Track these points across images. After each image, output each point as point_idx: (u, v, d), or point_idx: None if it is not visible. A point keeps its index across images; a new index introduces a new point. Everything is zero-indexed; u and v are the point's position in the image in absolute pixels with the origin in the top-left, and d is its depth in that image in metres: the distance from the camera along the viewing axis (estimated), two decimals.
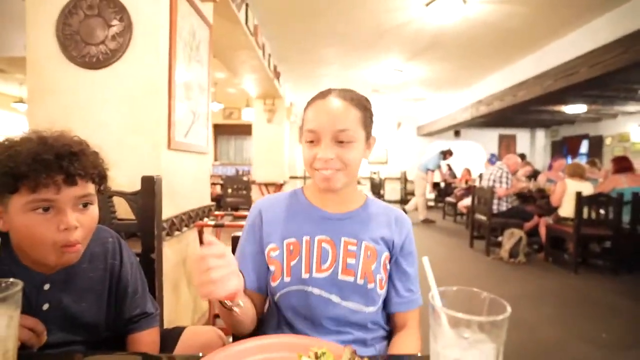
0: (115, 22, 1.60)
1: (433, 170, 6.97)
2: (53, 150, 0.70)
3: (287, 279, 0.82)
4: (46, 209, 0.70)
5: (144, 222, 1.13)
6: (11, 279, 0.52)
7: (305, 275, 0.82)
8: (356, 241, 0.85)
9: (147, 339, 0.87)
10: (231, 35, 3.30)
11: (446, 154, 6.89)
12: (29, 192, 0.68)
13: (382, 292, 0.84)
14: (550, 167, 5.58)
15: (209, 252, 0.61)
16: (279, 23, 3.96)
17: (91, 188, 0.76)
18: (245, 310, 0.76)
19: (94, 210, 0.77)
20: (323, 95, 0.83)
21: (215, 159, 10.29)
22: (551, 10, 3.56)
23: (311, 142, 0.81)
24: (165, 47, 1.69)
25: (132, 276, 0.88)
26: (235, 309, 0.71)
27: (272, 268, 0.84)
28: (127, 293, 0.86)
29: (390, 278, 0.88)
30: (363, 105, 0.83)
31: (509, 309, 0.47)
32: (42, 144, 0.71)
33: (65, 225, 0.70)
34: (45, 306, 0.76)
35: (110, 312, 0.84)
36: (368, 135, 0.85)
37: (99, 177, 0.78)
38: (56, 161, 0.69)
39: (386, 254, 0.87)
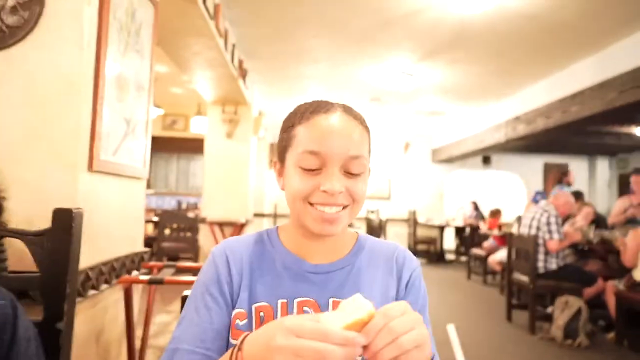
0: None
1: None
2: None
3: None
4: None
5: (51, 276, 1.13)
6: None
7: None
8: None
9: None
10: (182, 16, 3.37)
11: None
12: None
13: None
14: (632, 191, 5.09)
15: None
16: (249, 3, 4.08)
17: None
18: None
19: None
20: (325, 108, 0.88)
21: (148, 186, 10.21)
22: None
23: (309, 169, 0.85)
24: (92, 28, 1.71)
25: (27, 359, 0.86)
26: None
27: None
28: None
29: None
30: (367, 127, 0.92)
31: None
32: None
33: None
34: None
35: None
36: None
37: None
38: None
39: None
